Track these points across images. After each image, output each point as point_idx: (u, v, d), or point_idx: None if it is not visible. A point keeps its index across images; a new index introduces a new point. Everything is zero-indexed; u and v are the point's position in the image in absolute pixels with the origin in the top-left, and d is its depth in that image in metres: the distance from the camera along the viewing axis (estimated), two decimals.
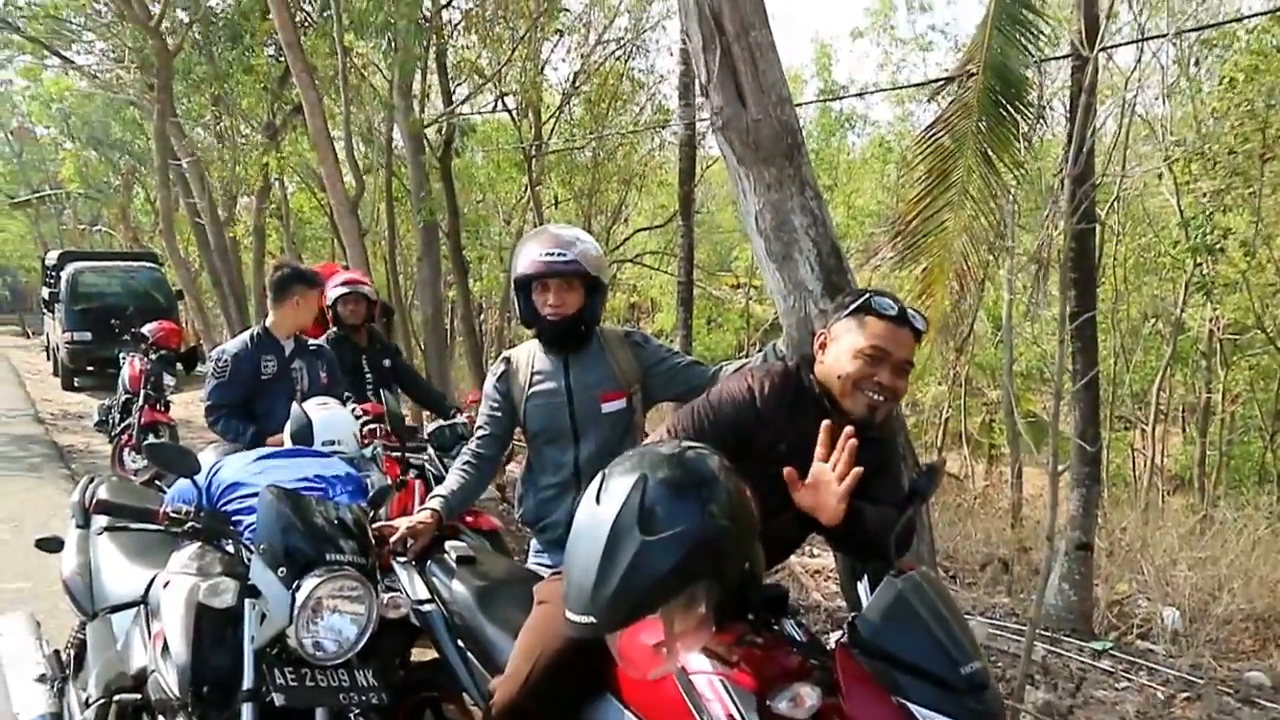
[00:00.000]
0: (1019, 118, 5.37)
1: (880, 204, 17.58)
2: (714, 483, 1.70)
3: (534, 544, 3.07)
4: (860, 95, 18.28)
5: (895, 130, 18.79)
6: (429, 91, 13.13)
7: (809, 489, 1.98)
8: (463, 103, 12.69)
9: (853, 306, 2.15)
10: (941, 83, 6.54)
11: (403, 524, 2.75)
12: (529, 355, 2.93)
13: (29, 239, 32.32)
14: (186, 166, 12.74)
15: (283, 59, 11.11)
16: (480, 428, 2.96)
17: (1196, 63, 13.00)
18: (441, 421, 4.96)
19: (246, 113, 14.10)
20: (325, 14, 10.47)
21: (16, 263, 35.69)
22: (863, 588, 1.89)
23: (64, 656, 3.10)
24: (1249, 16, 10.04)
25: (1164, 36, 11.81)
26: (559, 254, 2.72)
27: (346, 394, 4.26)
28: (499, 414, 2.93)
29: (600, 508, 1.67)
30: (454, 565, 2.85)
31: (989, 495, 14.18)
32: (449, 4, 11.63)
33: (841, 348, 2.13)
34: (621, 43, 14.82)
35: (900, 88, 16.78)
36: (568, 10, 13.23)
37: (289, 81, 12.20)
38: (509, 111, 13.97)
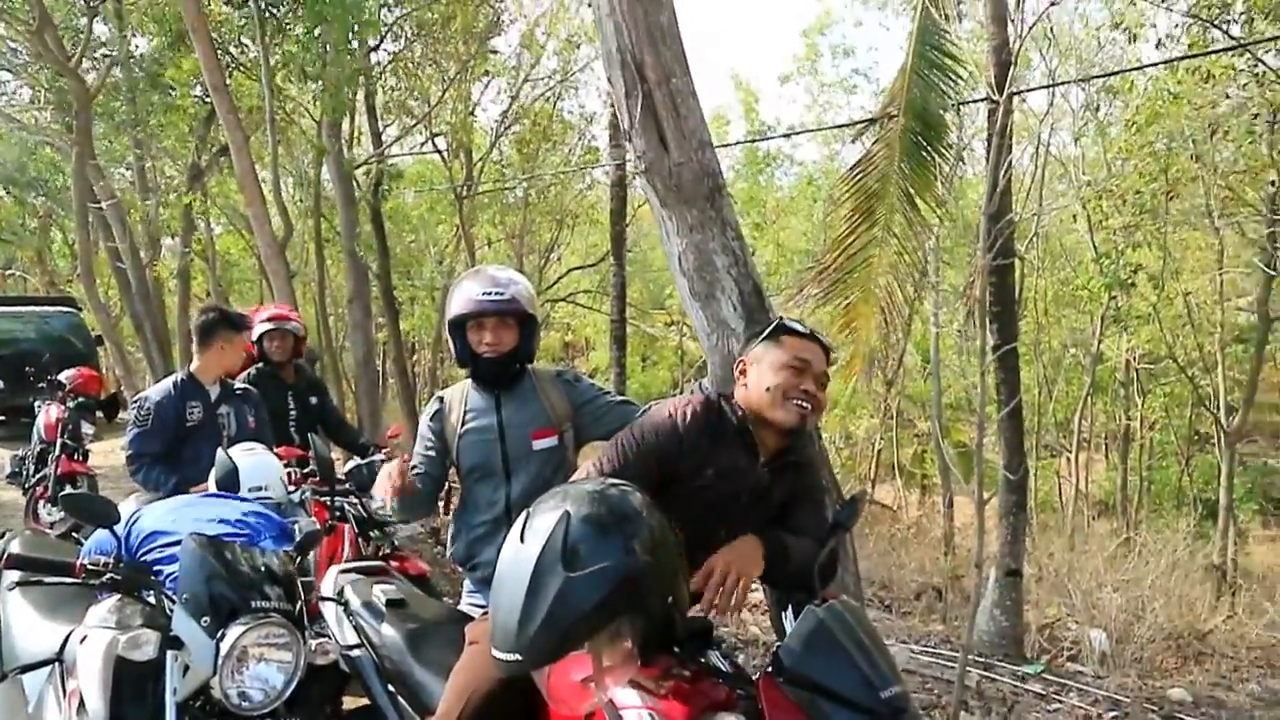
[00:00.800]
0: (939, 158, 5.57)
1: (809, 241, 17.96)
2: (636, 519, 1.73)
3: (467, 584, 3.05)
4: (787, 136, 18.65)
5: (822, 169, 19.29)
6: (358, 134, 13.11)
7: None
8: (392, 144, 12.68)
9: (769, 330, 2.29)
10: (865, 124, 6.74)
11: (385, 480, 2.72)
12: (462, 394, 2.95)
13: None
14: (107, 209, 12.46)
15: (208, 100, 11.00)
16: (414, 467, 2.95)
17: (1098, 108, 13.65)
18: (359, 460, 4.87)
19: (170, 153, 13.88)
20: (252, 56, 10.41)
21: None
22: (787, 618, 1.93)
23: None
24: (1147, 65, 10.59)
25: (1072, 81, 12.41)
26: (495, 293, 2.76)
27: (273, 440, 4.18)
28: (433, 453, 2.93)
29: (524, 545, 1.69)
30: (383, 609, 2.81)
31: (922, 525, 14.45)
32: (377, 48, 11.68)
33: (764, 366, 2.23)
34: (550, 84, 15.00)
35: (825, 129, 17.28)
36: (497, 52, 13.35)
37: (214, 122, 12.06)
38: (439, 152, 14.00)
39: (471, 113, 13.75)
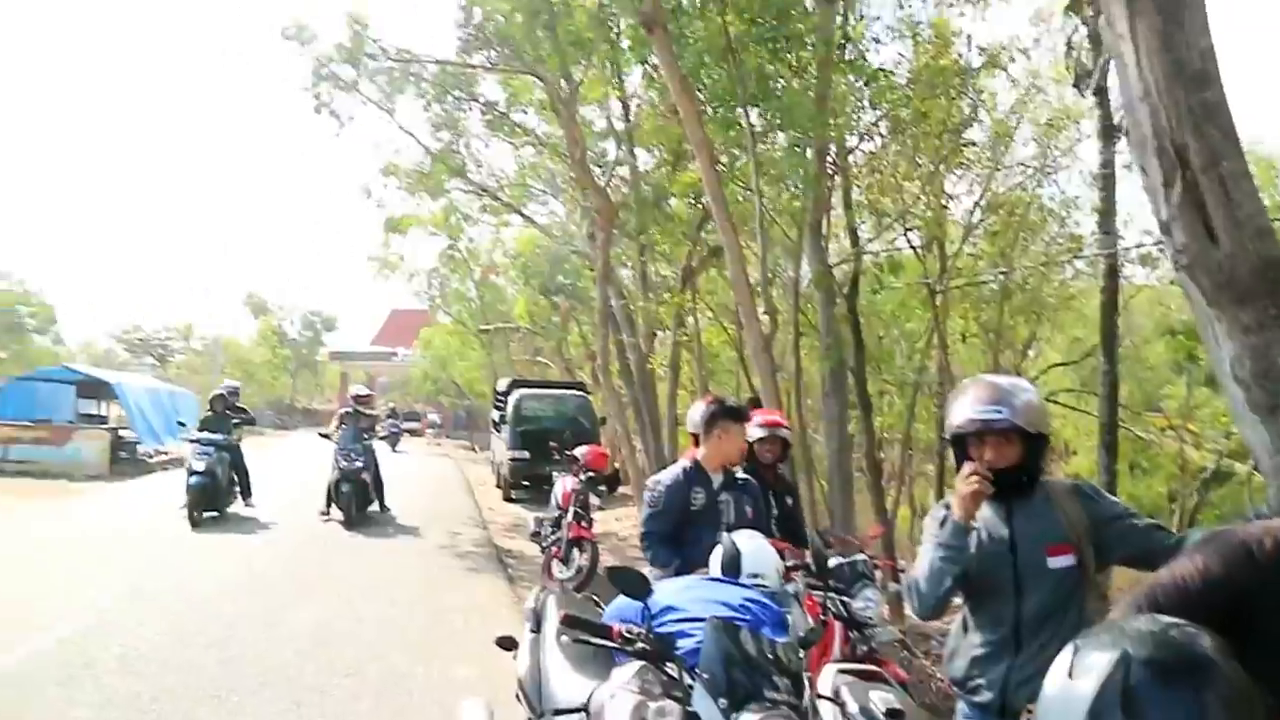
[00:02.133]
0: None
1: None
2: (1211, 669, 1.49)
3: (961, 707, 2.87)
4: None
5: None
6: (835, 231, 13.58)
7: None
8: (870, 242, 12.91)
9: None
10: None
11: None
12: None
13: (483, 368, 37.96)
14: (615, 306, 14.28)
15: (699, 204, 12.18)
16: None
17: None
18: (842, 558, 4.86)
19: (666, 256, 15.53)
20: (735, 163, 11.34)
21: (472, 388, 42.06)
22: None
23: None
24: None
25: None
26: (994, 410, 2.61)
27: (770, 529, 4.35)
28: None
29: (1074, 682, 1.53)
30: (880, 716, 2.76)
31: None
32: (855, 149, 12.08)
33: None
34: (1028, 171, 14.27)
35: None
36: (973, 144, 13.08)
37: (705, 227, 13.33)
38: (913, 247, 13.96)
39: (945, 206, 13.57)
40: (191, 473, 11.52)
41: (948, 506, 2.85)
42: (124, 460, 19.29)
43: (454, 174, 17.74)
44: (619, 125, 14.67)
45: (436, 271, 32.56)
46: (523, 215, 19.55)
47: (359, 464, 12.28)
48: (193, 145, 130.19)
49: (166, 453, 22.91)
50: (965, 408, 2.69)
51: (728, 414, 4.38)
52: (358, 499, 12.23)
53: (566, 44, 11.96)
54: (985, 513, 2.75)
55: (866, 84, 10.22)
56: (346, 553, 10.14)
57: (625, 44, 11.58)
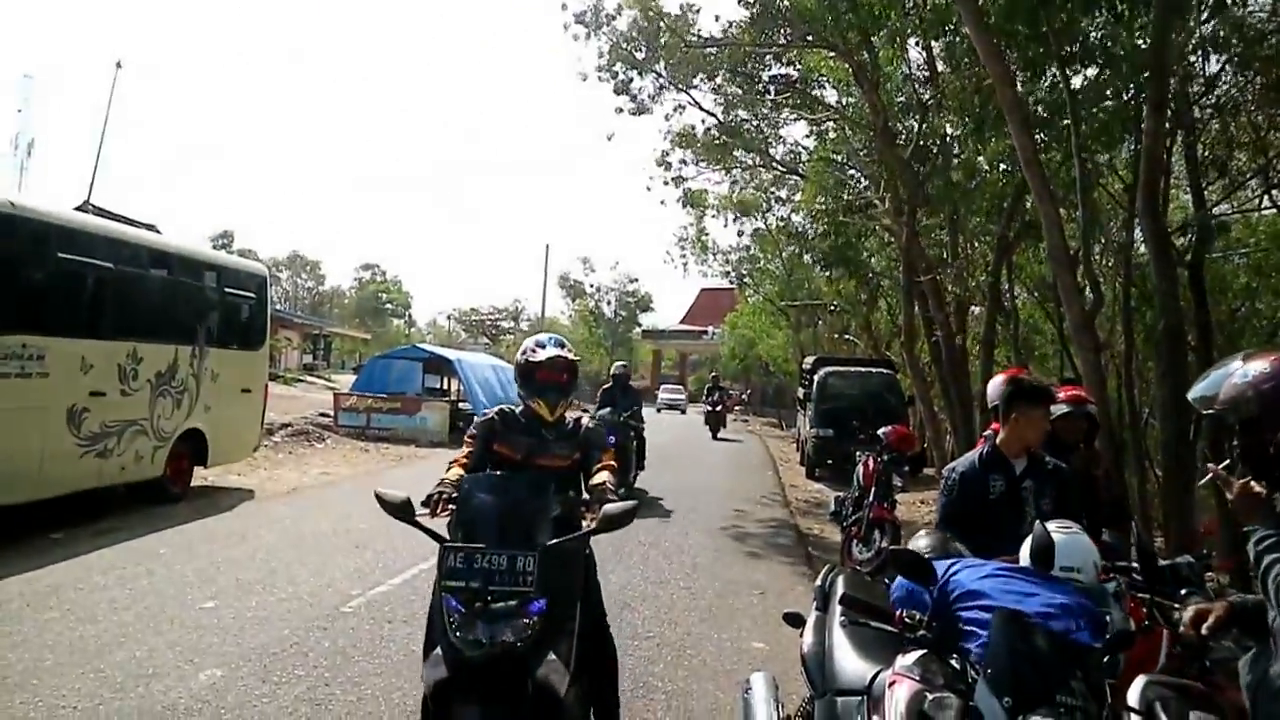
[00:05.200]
0: None
1: None
2: None
3: None
4: None
5: None
6: (1176, 191, 12.10)
7: None
8: (1218, 203, 11.34)
9: None
10: None
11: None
12: None
13: (790, 346, 38.15)
14: (924, 282, 13.69)
15: (1015, 173, 11.31)
16: None
17: None
18: (1164, 561, 4.25)
19: (979, 230, 14.61)
20: (1061, 125, 10.40)
21: (779, 366, 42.56)
22: None
23: None
24: None
25: None
26: None
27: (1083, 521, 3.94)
28: None
29: None
30: None
31: None
32: (1202, 99, 10.59)
33: None
34: None
35: None
36: None
37: (1021, 197, 12.37)
38: (1277, 206, 12.04)
39: None
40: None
41: None
42: (462, 429, 21.58)
43: (748, 149, 17.87)
44: (923, 95, 14.02)
45: (746, 250, 33.15)
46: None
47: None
48: (504, 146, 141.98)
49: None
50: None
51: (1026, 395, 4.03)
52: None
53: (866, 14, 11.58)
54: None
55: (1208, 20, 8.93)
56: (652, 523, 10.62)
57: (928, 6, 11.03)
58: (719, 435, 27.19)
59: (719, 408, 28.34)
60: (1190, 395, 2.65)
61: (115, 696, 4.46)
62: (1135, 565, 3.84)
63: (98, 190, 15.17)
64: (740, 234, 29.97)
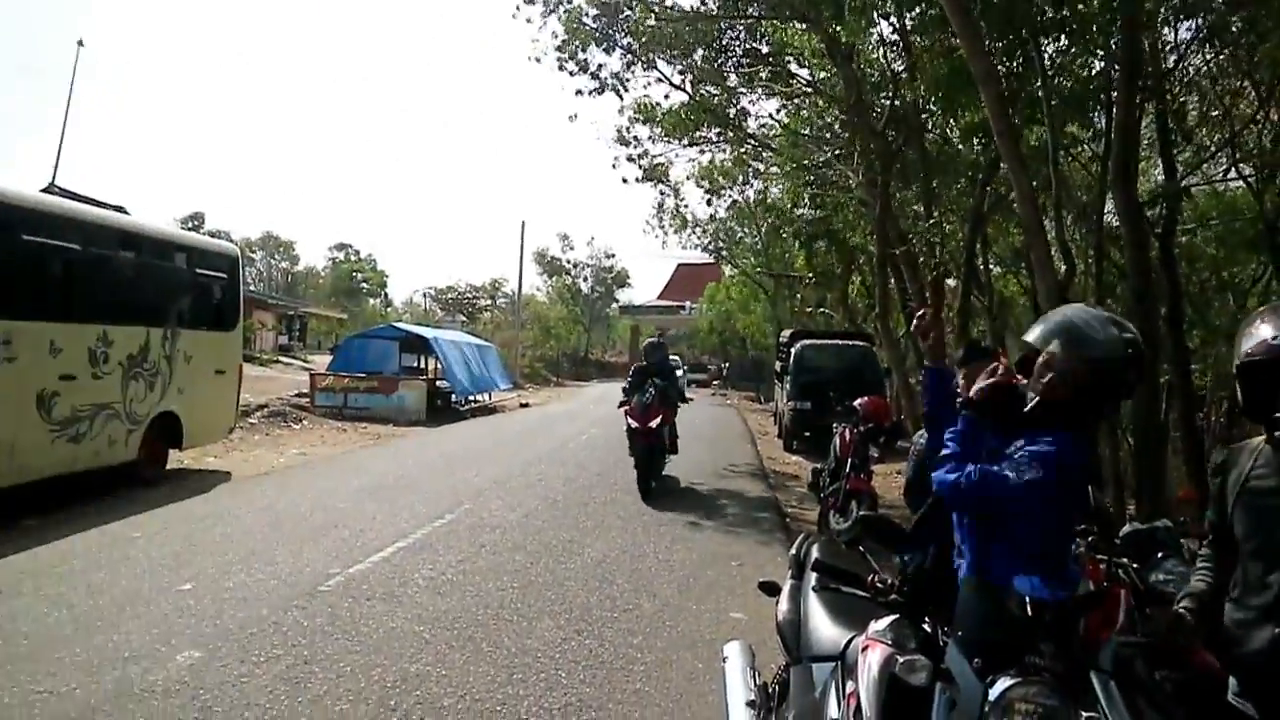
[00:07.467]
0: None
1: None
2: None
3: (1232, 683, 2.57)
4: None
5: None
6: (1147, 164, 12.18)
7: None
8: (1188, 174, 11.43)
9: None
10: None
11: None
12: (1254, 448, 2.51)
13: (768, 320, 38.34)
14: (899, 254, 13.74)
15: (989, 145, 11.33)
16: (1212, 525, 2.64)
17: None
18: (1139, 525, 4.33)
19: (953, 202, 14.66)
20: (1034, 92, 10.40)
21: (757, 340, 42.82)
22: None
23: (770, 690, 3.50)
24: None
25: None
26: None
27: None
28: (1219, 510, 2.59)
29: None
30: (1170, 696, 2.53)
31: None
32: (1175, 68, 10.65)
33: None
34: None
35: None
36: None
37: (995, 171, 12.41)
38: (1244, 180, 12.17)
39: None
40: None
41: (1228, 450, 2.57)
42: (439, 408, 21.64)
43: (718, 124, 17.73)
44: (896, 66, 13.97)
45: (723, 224, 33.17)
46: (803, 166, 19.30)
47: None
48: (477, 123, 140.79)
49: (476, 400, 25.34)
50: (1262, 334, 2.36)
51: (980, 353, 4.06)
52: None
53: None
54: (1267, 459, 2.44)
55: None
56: (634, 495, 10.67)
57: None
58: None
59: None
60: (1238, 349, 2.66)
61: (92, 680, 4.43)
62: (1094, 529, 3.91)
63: (63, 172, 14.90)
64: (711, 208, 29.75)
